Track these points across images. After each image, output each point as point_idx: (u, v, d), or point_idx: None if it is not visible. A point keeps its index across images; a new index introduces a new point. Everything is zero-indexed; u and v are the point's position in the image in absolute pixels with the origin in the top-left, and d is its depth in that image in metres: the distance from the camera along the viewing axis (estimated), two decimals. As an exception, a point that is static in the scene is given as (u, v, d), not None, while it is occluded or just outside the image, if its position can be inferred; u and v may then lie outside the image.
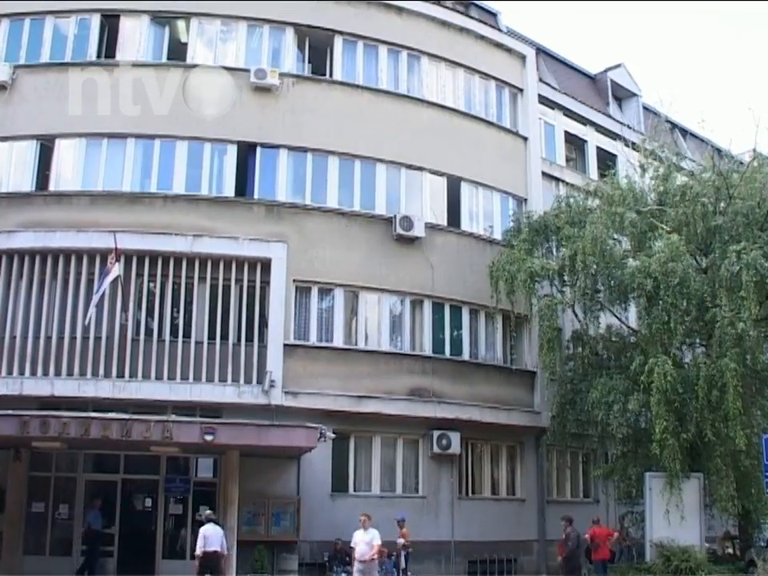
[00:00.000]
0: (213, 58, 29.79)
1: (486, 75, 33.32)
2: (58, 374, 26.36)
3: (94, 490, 26.96)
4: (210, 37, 30.17)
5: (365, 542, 21.15)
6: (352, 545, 21.60)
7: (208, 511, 22.94)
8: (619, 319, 29.62)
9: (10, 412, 23.48)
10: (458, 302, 30.14)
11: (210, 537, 21.58)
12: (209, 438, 22.84)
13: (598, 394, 26.20)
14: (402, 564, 25.64)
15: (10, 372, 26.58)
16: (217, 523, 22.27)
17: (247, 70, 28.97)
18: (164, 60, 29.60)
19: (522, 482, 31.49)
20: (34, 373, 26.47)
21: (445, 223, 30.64)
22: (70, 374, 26.34)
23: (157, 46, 29.87)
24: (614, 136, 36.95)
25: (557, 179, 34.75)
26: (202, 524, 22.30)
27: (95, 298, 25.41)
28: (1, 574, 24.55)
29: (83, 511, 26.24)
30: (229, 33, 30.22)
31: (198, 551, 21.51)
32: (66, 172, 28.64)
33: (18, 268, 27.25)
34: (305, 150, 29.06)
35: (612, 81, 41.00)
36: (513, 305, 28.91)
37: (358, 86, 30.41)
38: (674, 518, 25.02)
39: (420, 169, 30.36)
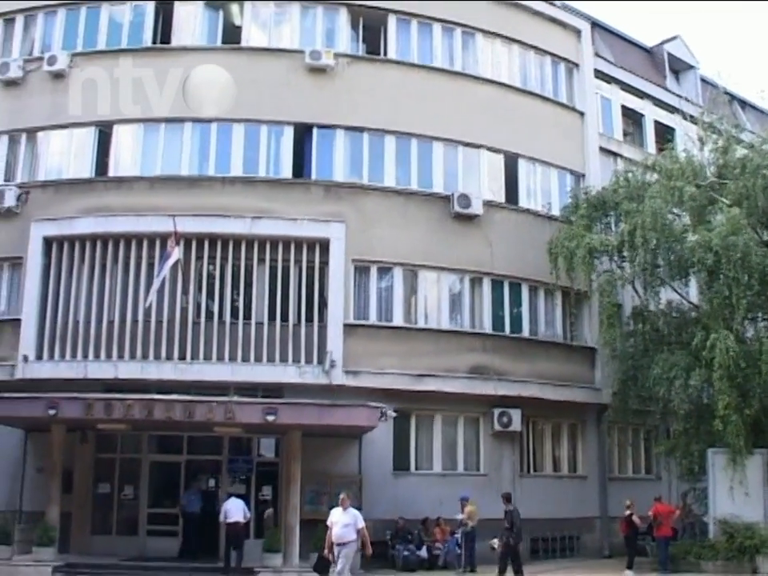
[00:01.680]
0: (267, 41, 29.95)
1: (541, 51, 33.01)
2: (121, 357, 26.73)
3: (159, 470, 27.38)
4: (263, 19, 30.27)
5: (342, 524, 18.77)
6: (328, 523, 19.16)
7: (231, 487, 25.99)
8: (680, 294, 29.34)
9: (75, 395, 23.95)
10: (517, 279, 29.95)
11: (231, 509, 24.16)
12: (270, 418, 23.02)
13: (660, 370, 26.01)
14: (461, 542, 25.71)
15: (74, 356, 27.03)
16: (240, 497, 24.83)
17: (302, 52, 29.02)
18: (218, 44, 29.80)
19: (584, 459, 31.32)
20: (97, 356, 26.87)
21: (503, 200, 30.47)
22: (132, 357, 26.69)
23: (211, 31, 30.06)
24: (671, 109, 36.44)
25: (614, 154, 34.36)
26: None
27: (156, 283, 25.64)
28: (71, 553, 25.06)
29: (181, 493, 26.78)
30: (282, 15, 30.28)
31: (221, 521, 24.32)
32: (125, 157, 28.98)
33: (80, 253, 27.66)
34: (361, 129, 29.06)
35: (669, 53, 40.38)
36: (572, 281, 28.76)
37: (412, 65, 30.31)
38: (738, 494, 24.86)
39: (477, 146, 30.17)
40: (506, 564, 23.35)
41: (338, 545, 18.51)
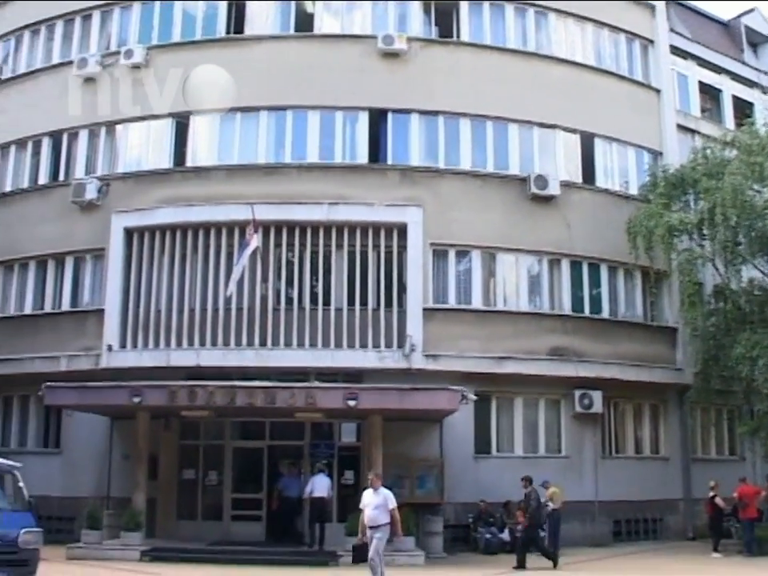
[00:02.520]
0: (340, 27, 30.02)
1: (615, 28, 32.56)
2: (202, 344, 27.07)
3: (242, 456, 27.72)
4: (335, 6, 30.35)
5: (374, 506, 17.64)
6: (361, 506, 18.12)
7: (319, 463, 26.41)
8: (762, 272, 28.81)
9: (159, 383, 24.34)
10: (595, 259, 29.61)
11: (318, 484, 25.00)
12: (352, 403, 23.11)
13: (742, 349, 25.65)
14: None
15: (157, 344, 27.47)
16: (325, 474, 25.62)
17: (374, 37, 29.02)
18: (292, 32, 29.90)
19: (666, 441, 30.93)
20: (180, 345, 27.26)
21: (580, 180, 30.14)
22: (214, 344, 27.01)
23: (284, 19, 30.17)
24: (750, 84, 35.88)
25: (692, 131, 33.76)
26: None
27: (236, 271, 25.86)
28: (157, 537, 25.48)
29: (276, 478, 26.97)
30: (354, 1, 30.29)
31: (306, 495, 25.08)
32: (202, 147, 29.37)
33: (160, 243, 28.04)
34: (436, 113, 28.95)
35: (746, 26, 39.58)
36: (651, 260, 28.42)
37: (486, 47, 30.13)
38: (825, 473, 24.46)
39: (552, 127, 29.88)
40: (526, 550, 22.68)
41: (371, 528, 17.49)
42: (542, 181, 28.57)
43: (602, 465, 28.66)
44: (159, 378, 25.14)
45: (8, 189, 31.80)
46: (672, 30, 34.44)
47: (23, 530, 18.42)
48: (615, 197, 30.61)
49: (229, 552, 23.98)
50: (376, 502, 17.56)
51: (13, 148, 31.95)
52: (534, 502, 22.86)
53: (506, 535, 26.05)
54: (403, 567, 22.01)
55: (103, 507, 25.98)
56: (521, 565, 22.07)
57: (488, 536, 26.00)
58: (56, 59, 32.07)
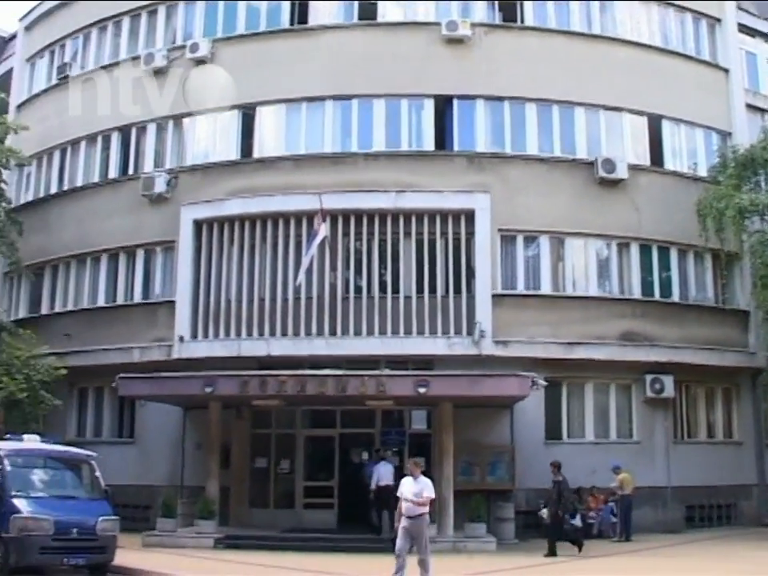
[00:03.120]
0: (403, 15, 29.97)
1: (681, 8, 32.04)
2: (273, 334, 27.30)
3: (313, 444, 27.97)
4: (398, -7, 30.31)
5: (413, 494, 16.47)
6: (398, 494, 16.89)
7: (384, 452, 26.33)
8: (835, 253, 28.33)
9: (231, 373, 24.61)
10: (665, 242, 29.24)
11: (383, 473, 24.87)
12: (422, 390, 23.08)
13: (816, 333, 25.27)
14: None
15: (227, 335, 27.76)
16: (389, 461, 25.41)
17: (438, 24, 28.92)
18: (355, 21, 29.93)
19: (739, 425, 30.52)
20: (250, 334, 27.52)
21: (648, 163, 29.75)
22: (284, 333, 27.22)
23: (347, 9, 30.22)
24: (821, 60, 35.17)
25: (762, 110, 33.09)
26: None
27: (305, 261, 26.01)
28: (230, 525, 25.75)
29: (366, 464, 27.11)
30: (418, -13, 30.25)
31: (373, 485, 24.83)
32: (269, 138, 29.59)
33: (229, 234, 28.32)
34: (501, 98, 28.79)
35: (815, 3, 38.90)
36: (722, 242, 28.07)
37: (550, 30, 29.86)
38: None
39: (619, 109, 29.54)
40: (555, 537, 22.41)
41: (408, 518, 16.37)
42: (609, 164, 28.30)
43: (674, 450, 28.36)
44: (230, 367, 25.45)
45: (79, 183, 32.40)
46: (740, 8, 33.81)
47: (101, 518, 18.94)
48: (684, 179, 30.19)
49: (301, 539, 24.19)
50: (414, 491, 16.54)
51: (83, 143, 32.52)
52: (564, 490, 22.78)
53: (578, 521, 25.84)
54: (474, 553, 22.15)
55: (177, 496, 26.38)
56: (552, 552, 21.94)
57: (558, 521, 25.92)
58: (123, 55, 32.53)
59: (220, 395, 24.62)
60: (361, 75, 28.62)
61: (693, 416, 30.03)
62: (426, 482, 16.65)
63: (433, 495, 16.62)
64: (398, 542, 16.34)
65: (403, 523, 16.37)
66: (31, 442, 21.16)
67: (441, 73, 28.68)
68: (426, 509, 16.46)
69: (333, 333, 26.87)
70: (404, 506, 16.47)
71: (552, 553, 21.83)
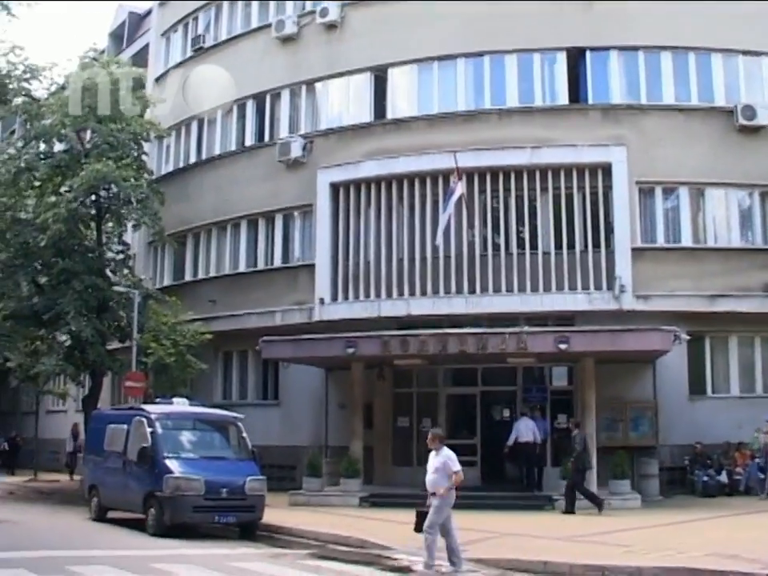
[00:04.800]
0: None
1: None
2: (412, 294, 27.56)
3: (455, 403, 28.19)
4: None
5: (433, 469, 14.87)
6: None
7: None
8: None
9: (372, 333, 24.94)
10: (811, 190, 28.39)
11: (522, 429, 25.03)
12: (563, 346, 22.96)
13: None
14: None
15: (367, 296, 28.16)
16: (531, 418, 25.53)
17: (568, -26, 28.46)
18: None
19: None
20: (390, 295, 27.87)
21: (790, 108, 28.84)
22: (423, 293, 27.44)
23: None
24: None
25: None
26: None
27: (443, 220, 26.07)
28: (374, 484, 26.29)
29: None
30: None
31: (510, 442, 25.04)
32: (401, 99, 29.71)
33: (366, 196, 28.68)
34: (635, 48, 28.10)
35: None
36: None
37: (683, -24, 29.07)
38: None
39: (758, 54, 28.41)
40: (574, 493, 22.15)
41: (431, 494, 14.65)
42: (749, 111, 27.43)
43: (825, 402, 27.61)
44: (370, 328, 25.79)
45: (217, 152, 33.13)
46: None
47: (249, 478, 19.56)
48: (830, 122, 29.11)
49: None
50: (435, 465, 14.83)
51: (219, 113, 33.12)
52: (579, 445, 22.44)
53: (723, 477, 25.59)
54: (618, 511, 22.06)
55: (322, 456, 26.91)
56: (570, 509, 21.81)
57: (705, 478, 25.55)
58: (254, 24, 33.02)
59: (362, 356, 25.03)
60: (491, 31, 28.34)
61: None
62: (448, 454, 14.90)
63: (457, 468, 14.68)
64: (429, 517, 14.49)
65: (430, 501, 14.62)
66: (180, 405, 22.01)
67: (573, 25, 28.16)
68: (452, 483, 14.57)
69: (472, 291, 26.95)
70: (426, 480, 14.93)
71: (570, 510, 21.81)
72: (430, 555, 14.29)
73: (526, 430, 25.12)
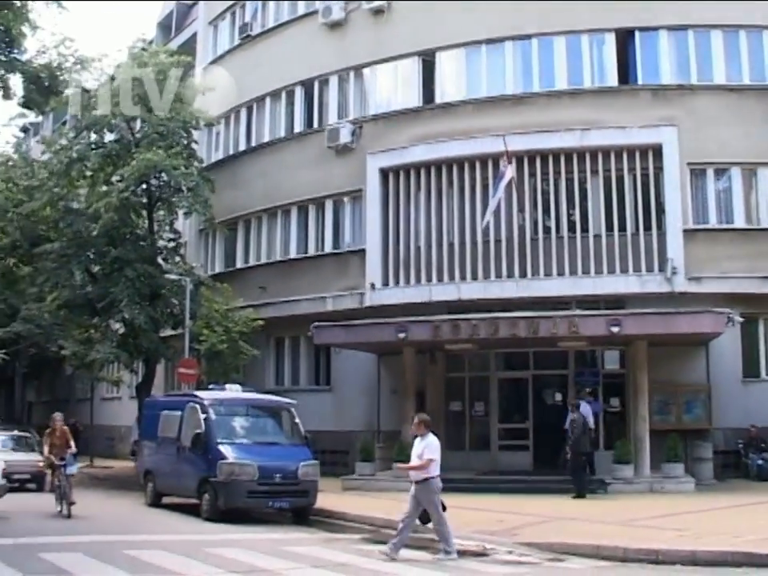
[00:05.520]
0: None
1: None
2: (463, 278, 27.57)
3: (507, 387, 28.19)
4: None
5: (415, 456, 14.58)
6: None
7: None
8: None
9: (422, 318, 25.03)
10: None
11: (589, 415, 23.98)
12: (615, 329, 22.88)
13: None
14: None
15: (418, 280, 28.25)
16: (586, 401, 24.66)
17: (618, -47, 28.16)
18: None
19: None
20: (440, 279, 27.89)
21: None
22: (474, 277, 27.46)
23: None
24: None
25: None
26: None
27: (493, 203, 26.05)
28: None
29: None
30: None
31: (566, 426, 23.67)
32: (449, 83, 29.68)
33: (416, 181, 28.71)
34: (685, 27, 27.74)
35: None
36: None
37: (732, -48, 28.64)
38: None
39: (811, 31, 28.20)
40: (581, 476, 22.19)
41: (414, 483, 14.44)
42: (803, 88, 27.10)
43: None
44: (420, 313, 25.87)
45: (266, 139, 33.35)
46: None
47: (302, 463, 19.70)
48: None
49: (496, 481, 24.46)
50: (417, 452, 14.59)
51: (267, 100, 33.43)
52: (577, 429, 22.37)
53: (768, 460, 25.37)
54: (672, 494, 22.02)
55: (374, 441, 27.09)
56: (580, 494, 21.76)
57: (759, 462, 25.29)
58: (301, 10, 33.11)
59: (413, 341, 25.09)
60: (539, 13, 28.10)
61: None
62: (429, 441, 14.60)
63: (433, 456, 14.41)
64: (406, 508, 14.59)
65: (411, 490, 14.59)
66: (233, 391, 22.20)
67: (621, 5, 27.77)
68: (431, 473, 14.34)
69: (523, 274, 26.93)
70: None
71: (580, 495, 21.72)
72: (447, 543, 14.30)
73: (590, 417, 24.46)
